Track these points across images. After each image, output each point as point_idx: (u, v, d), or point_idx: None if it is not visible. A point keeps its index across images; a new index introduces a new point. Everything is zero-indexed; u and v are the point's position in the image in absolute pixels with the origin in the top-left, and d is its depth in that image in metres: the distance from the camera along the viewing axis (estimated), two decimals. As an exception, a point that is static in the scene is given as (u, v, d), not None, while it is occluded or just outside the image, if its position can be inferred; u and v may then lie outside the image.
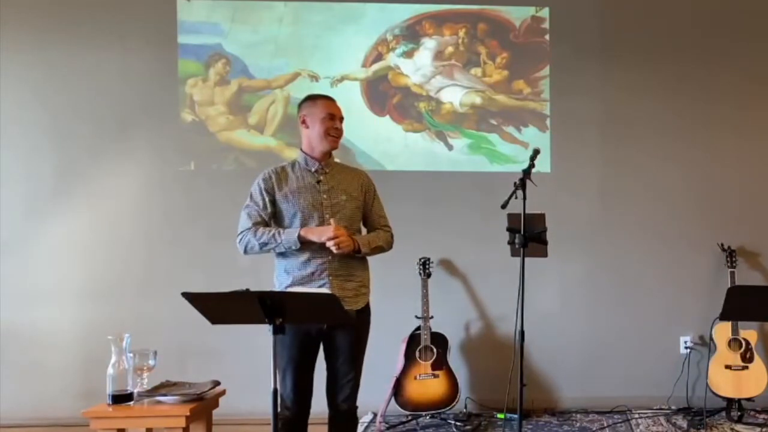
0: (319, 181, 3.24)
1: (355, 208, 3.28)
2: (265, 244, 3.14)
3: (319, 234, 3.10)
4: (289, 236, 3.11)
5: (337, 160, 3.43)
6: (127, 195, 4.93)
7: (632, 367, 5.00)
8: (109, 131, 4.91)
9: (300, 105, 3.34)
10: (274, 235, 3.13)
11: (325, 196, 3.22)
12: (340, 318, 2.93)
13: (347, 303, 3.14)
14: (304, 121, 3.27)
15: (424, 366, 4.63)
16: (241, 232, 3.19)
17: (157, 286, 4.80)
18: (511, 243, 3.43)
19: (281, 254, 3.21)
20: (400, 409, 4.58)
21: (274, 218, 3.23)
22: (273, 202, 3.21)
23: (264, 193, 3.20)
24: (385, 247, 3.36)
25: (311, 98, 3.32)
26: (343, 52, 5.01)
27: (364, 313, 3.29)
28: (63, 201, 4.90)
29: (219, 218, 4.68)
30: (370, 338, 3.34)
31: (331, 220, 3.15)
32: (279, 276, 3.24)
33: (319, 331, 3.18)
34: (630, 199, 5.08)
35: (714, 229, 4.99)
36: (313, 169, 3.26)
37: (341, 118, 3.29)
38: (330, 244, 3.08)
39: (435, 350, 4.66)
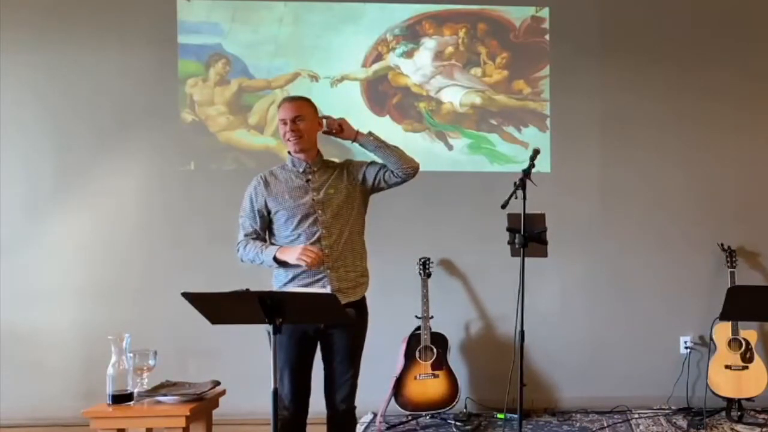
0: (308, 180, 3.25)
1: (344, 200, 3.24)
2: (252, 260, 3.21)
3: (290, 255, 3.11)
4: (267, 256, 3.15)
5: (335, 159, 3.43)
6: (127, 195, 4.93)
7: (632, 367, 5.00)
8: (109, 131, 4.91)
9: None
10: (257, 252, 3.18)
11: (314, 193, 3.22)
12: (341, 318, 2.93)
13: (346, 295, 3.15)
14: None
15: (424, 366, 4.63)
16: (237, 243, 3.26)
17: (157, 286, 4.79)
18: (511, 243, 3.43)
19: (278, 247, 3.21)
20: (400, 409, 4.58)
21: (272, 223, 3.25)
22: (266, 208, 3.23)
23: (254, 202, 3.24)
24: (404, 153, 3.26)
25: (278, 107, 3.33)
26: (343, 52, 5.01)
27: (361, 306, 3.26)
28: (63, 201, 4.90)
29: (219, 218, 4.67)
30: (369, 338, 3.32)
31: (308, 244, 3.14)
32: (276, 270, 3.23)
33: (316, 330, 3.18)
34: (630, 199, 5.08)
35: (714, 229, 4.99)
36: (300, 170, 3.26)
37: (294, 119, 3.19)
38: (300, 261, 3.08)
39: (435, 350, 4.66)
